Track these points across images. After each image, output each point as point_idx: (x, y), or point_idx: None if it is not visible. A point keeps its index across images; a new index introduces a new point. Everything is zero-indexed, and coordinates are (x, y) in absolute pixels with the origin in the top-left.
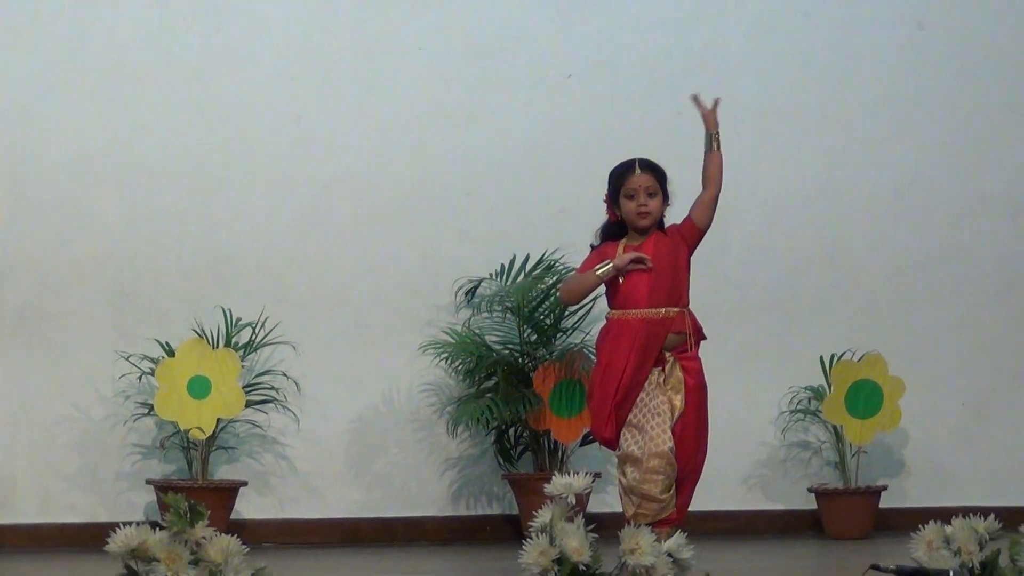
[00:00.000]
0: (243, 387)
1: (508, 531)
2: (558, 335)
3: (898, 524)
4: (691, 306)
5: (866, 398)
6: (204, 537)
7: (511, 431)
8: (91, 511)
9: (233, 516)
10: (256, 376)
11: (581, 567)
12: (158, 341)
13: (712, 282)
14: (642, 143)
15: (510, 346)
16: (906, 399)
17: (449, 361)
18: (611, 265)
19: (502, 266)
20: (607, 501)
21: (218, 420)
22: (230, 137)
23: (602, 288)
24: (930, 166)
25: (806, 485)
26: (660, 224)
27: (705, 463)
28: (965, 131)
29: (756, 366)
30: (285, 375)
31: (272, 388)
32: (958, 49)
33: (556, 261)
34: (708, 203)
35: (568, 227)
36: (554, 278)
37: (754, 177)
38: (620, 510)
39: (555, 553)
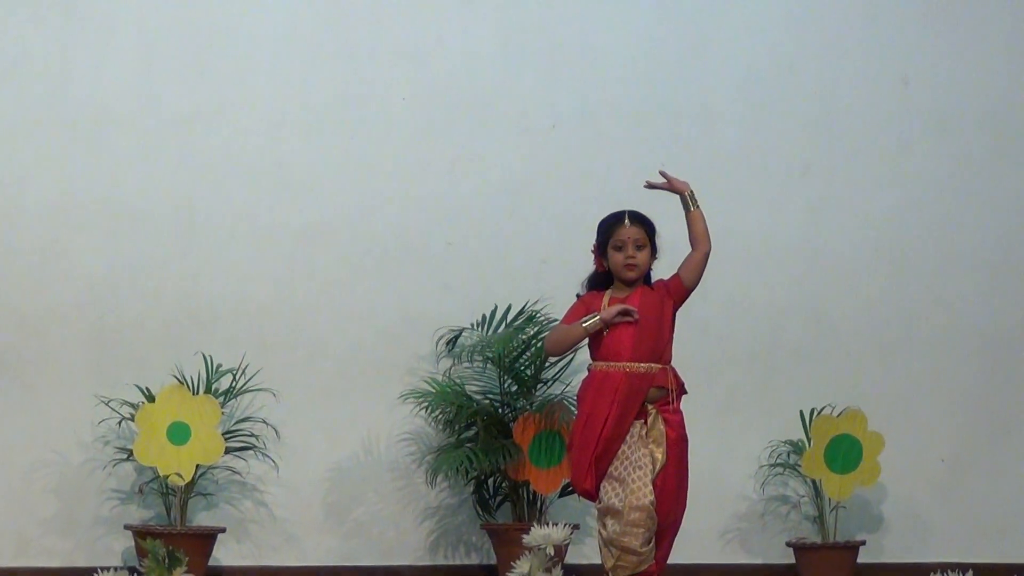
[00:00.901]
0: (223, 434)
1: None
2: (538, 386)
3: None
4: (672, 358)
5: (845, 453)
6: None
7: (490, 481)
8: (68, 556)
9: (211, 563)
10: (236, 423)
11: None
12: (138, 386)
13: (692, 334)
14: (625, 195)
15: (490, 396)
16: (885, 454)
17: (429, 410)
18: (598, 318)
19: (483, 316)
20: (585, 552)
21: (197, 466)
22: (212, 184)
23: (585, 339)
24: (912, 220)
25: (785, 539)
26: (647, 278)
27: (684, 515)
28: (947, 186)
29: (736, 419)
30: (265, 422)
31: (252, 435)
32: (942, 104)
33: (538, 312)
34: (698, 263)
35: (550, 278)
36: (535, 328)
37: (735, 229)
38: (599, 562)
39: None
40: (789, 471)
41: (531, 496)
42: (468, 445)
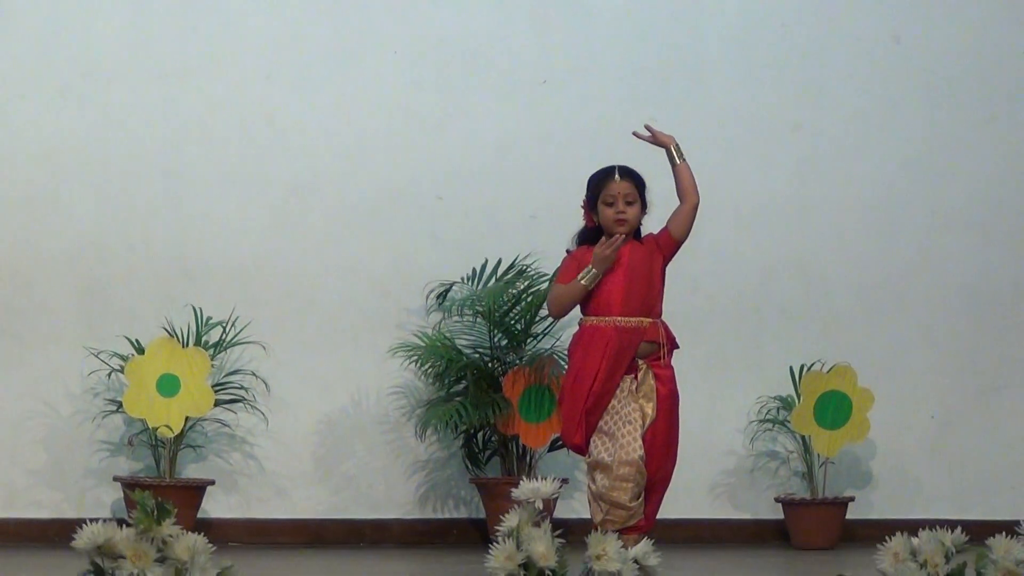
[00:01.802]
0: (212, 386)
1: (474, 535)
2: (528, 340)
3: (864, 535)
4: (663, 313)
5: (835, 409)
6: (170, 535)
7: (479, 435)
8: (57, 507)
9: (200, 515)
10: (225, 375)
11: (547, 572)
12: (128, 339)
13: (682, 290)
14: (615, 150)
15: (480, 350)
16: (875, 411)
17: (419, 364)
18: (593, 272)
19: (473, 270)
20: (574, 507)
21: (187, 419)
22: (203, 136)
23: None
24: (902, 178)
25: (773, 495)
26: (637, 233)
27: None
28: (937, 144)
29: (725, 375)
30: (255, 375)
31: (241, 388)
32: (932, 63)
33: (528, 266)
34: (687, 215)
35: (540, 232)
36: (525, 283)
37: (726, 186)
38: (587, 516)
39: (521, 558)
40: (778, 427)
41: (520, 450)
42: (458, 399)
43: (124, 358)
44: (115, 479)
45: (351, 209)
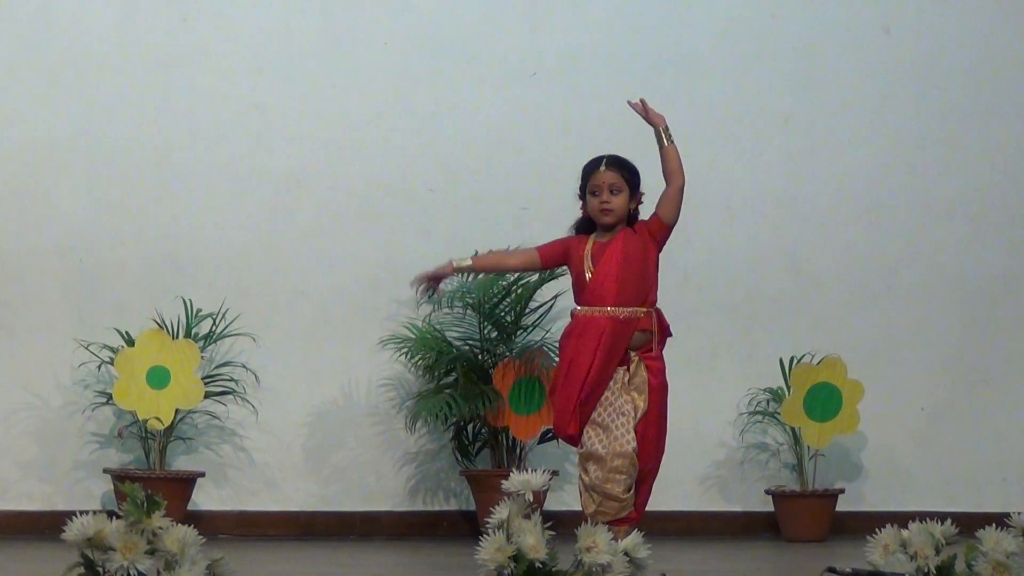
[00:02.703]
0: (202, 378)
1: (465, 527)
2: (518, 332)
3: (854, 528)
4: (658, 300)
5: (825, 401)
6: (161, 527)
7: (470, 427)
8: (48, 499)
9: (190, 507)
10: (215, 367)
11: (537, 564)
12: (118, 330)
13: (673, 282)
14: (607, 141)
15: (470, 342)
16: (865, 403)
17: (409, 356)
18: (458, 264)
19: None
20: (564, 499)
21: (176, 411)
22: (193, 128)
23: (568, 283)
24: (893, 170)
25: (763, 487)
26: (631, 220)
27: (663, 463)
28: (928, 136)
29: (715, 367)
30: (245, 367)
31: (231, 380)
32: (923, 54)
33: None
34: (672, 197)
35: (530, 224)
36: (515, 275)
37: (716, 178)
38: (577, 508)
39: (512, 550)
40: (768, 419)
41: (510, 442)
42: (448, 391)
43: (114, 350)
44: (105, 471)
45: (342, 201)
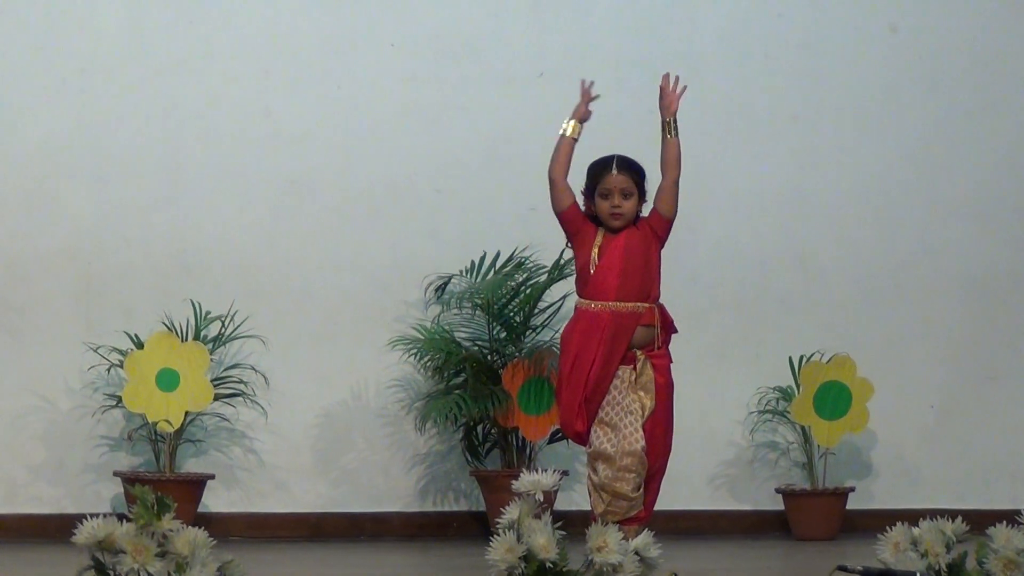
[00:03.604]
0: (211, 380)
1: (475, 528)
2: (527, 332)
3: (865, 526)
4: (661, 296)
5: (834, 399)
6: (171, 529)
7: (479, 428)
8: (57, 502)
9: (200, 509)
10: (225, 370)
11: (548, 564)
12: (127, 333)
13: (681, 282)
14: (613, 142)
15: (479, 343)
16: (874, 401)
17: (418, 357)
18: (573, 120)
19: (472, 263)
20: (574, 499)
21: (186, 413)
22: (200, 131)
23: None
24: (900, 168)
25: (773, 486)
26: (634, 217)
27: (673, 462)
28: (935, 134)
29: (725, 366)
30: (254, 369)
31: (240, 382)
32: (930, 52)
33: (526, 259)
34: (669, 190)
35: (538, 225)
36: (524, 275)
37: (724, 177)
38: (587, 508)
39: (522, 550)
40: (778, 418)
41: (520, 443)
42: (457, 392)
43: (123, 353)
44: (115, 474)
45: (349, 203)
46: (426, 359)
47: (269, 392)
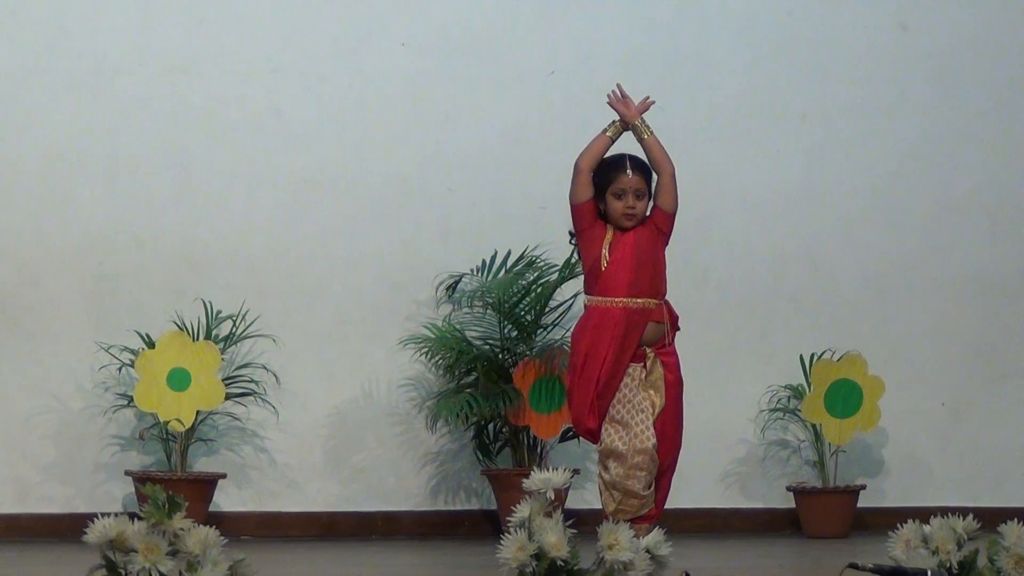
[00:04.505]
0: (223, 380)
1: (486, 526)
2: (538, 331)
3: (876, 524)
4: (667, 292)
5: (845, 397)
6: (182, 529)
7: (490, 426)
8: (69, 502)
9: (212, 508)
10: (236, 369)
11: (559, 562)
12: (138, 333)
13: (691, 280)
14: (624, 140)
15: (490, 342)
16: (885, 399)
17: (429, 356)
18: (619, 120)
19: (483, 262)
20: (586, 497)
21: (197, 412)
22: (210, 130)
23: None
24: (910, 167)
25: (784, 484)
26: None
27: (684, 460)
28: (945, 132)
29: (735, 364)
30: (265, 368)
31: (252, 381)
32: (940, 51)
33: (537, 257)
34: (667, 185)
35: (549, 223)
36: (535, 274)
37: (734, 176)
38: (599, 506)
39: (533, 548)
40: (789, 416)
41: (531, 441)
42: (468, 390)
43: (134, 352)
44: (126, 473)
45: (360, 201)
46: (437, 358)
47: (280, 391)
